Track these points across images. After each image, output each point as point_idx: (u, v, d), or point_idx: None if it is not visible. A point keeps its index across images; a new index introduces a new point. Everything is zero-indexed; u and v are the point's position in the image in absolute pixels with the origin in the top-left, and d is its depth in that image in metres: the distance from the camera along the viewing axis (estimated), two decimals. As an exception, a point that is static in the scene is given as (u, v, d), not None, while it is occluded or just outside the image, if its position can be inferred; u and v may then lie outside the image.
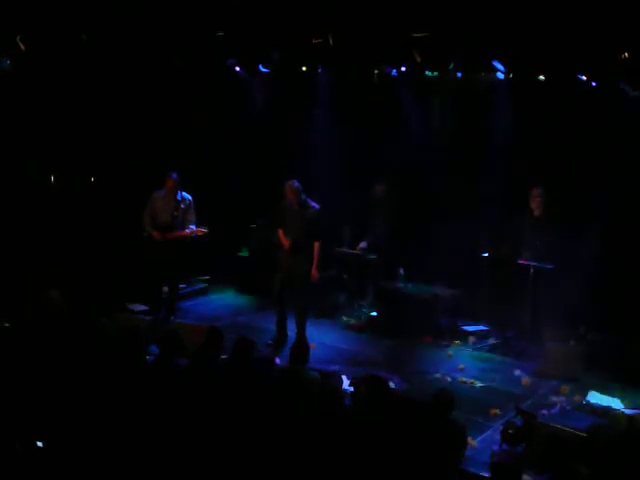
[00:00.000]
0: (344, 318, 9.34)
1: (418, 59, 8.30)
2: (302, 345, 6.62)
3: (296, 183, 8.13)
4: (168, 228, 8.66)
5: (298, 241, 8.17)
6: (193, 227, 8.72)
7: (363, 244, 9.41)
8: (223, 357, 6.35)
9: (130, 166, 9.93)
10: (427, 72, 8.60)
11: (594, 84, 7.83)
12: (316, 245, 8.13)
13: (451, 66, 8.44)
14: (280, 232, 8.30)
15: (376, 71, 9.03)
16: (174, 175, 8.65)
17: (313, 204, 8.20)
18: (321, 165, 9.72)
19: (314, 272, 8.17)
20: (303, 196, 8.16)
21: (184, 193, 8.78)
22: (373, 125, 9.67)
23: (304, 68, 9.37)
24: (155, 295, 8.95)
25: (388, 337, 8.73)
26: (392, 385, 6.91)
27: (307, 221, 8.11)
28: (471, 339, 8.70)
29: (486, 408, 6.79)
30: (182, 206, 8.70)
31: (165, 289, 9.05)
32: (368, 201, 9.56)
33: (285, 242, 8.24)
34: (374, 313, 9.34)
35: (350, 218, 9.71)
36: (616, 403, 6.70)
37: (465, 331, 8.86)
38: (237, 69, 9.81)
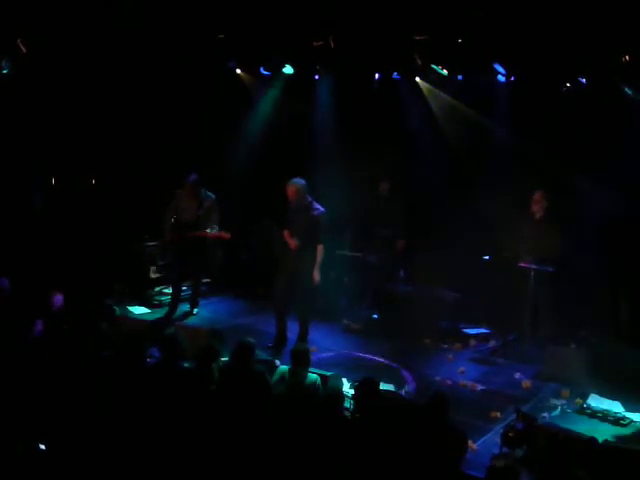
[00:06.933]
0: (345, 321, 9.31)
1: (419, 62, 8.32)
2: (303, 347, 6.60)
3: (301, 182, 8.01)
4: (191, 227, 8.74)
5: (300, 243, 8.11)
6: (215, 227, 8.79)
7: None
8: (224, 359, 6.35)
9: (130, 168, 9.94)
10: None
11: (594, 86, 7.84)
12: (318, 248, 8.05)
13: (452, 69, 8.46)
14: (285, 233, 8.22)
15: (377, 74, 9.02)
16: (191, 177, 8.74)
17: (318, 206, 8.08)
18: (323, 167, 9.72)
19: (314, 275, 8.05)
20: (309, 198, 8.08)
21: (208, 192, 8.87)
22: (374, 128, 9.65)
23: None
24: (175, 294, 9.13)
25: (389, 340, 8.72)
26: (393, 387, 6.93)
27: (310, 223, 8.01)
28: (472, 342, 8.70)
29: (486, 411, 6.76)
30: (206, 204, 8.77)
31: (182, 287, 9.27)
32: (373, 200, 9.54)
33: (291, 243, 8.16)
34: (375, 316, 9.33)
35: (351, 220, 9.70)
36: (617, 406, 6.69)
37: (466, 334, 8.86)
38: (238, 71, 9.82)
